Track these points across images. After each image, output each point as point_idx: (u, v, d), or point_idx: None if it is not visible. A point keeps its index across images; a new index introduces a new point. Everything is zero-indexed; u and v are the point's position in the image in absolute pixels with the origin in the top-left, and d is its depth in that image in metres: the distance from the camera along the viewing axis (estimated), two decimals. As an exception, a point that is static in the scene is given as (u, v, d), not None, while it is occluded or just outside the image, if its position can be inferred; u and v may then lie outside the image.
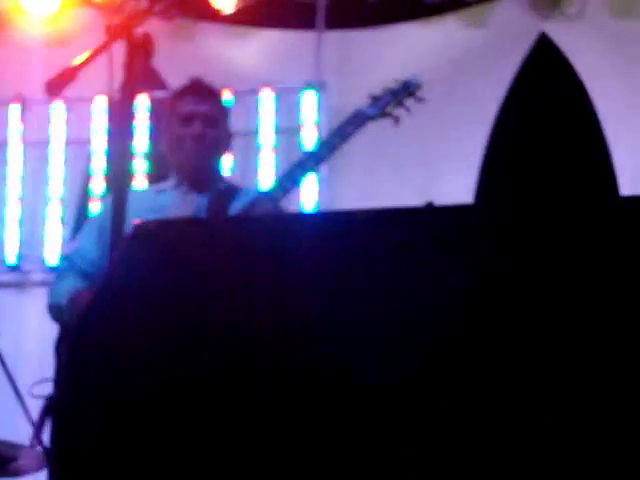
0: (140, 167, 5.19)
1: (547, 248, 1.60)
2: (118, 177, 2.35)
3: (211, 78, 3.25)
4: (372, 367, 1.58)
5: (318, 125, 5.22)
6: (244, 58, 5.45)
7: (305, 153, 3.10)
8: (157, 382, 1.66)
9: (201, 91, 3.14)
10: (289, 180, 2.96)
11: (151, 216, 2.92)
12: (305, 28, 5.32)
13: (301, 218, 2.07)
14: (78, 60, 2.25)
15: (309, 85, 5.25)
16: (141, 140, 5.24)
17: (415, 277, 1.62)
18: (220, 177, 3.20)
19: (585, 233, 1.60)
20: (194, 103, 3.09)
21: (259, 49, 5.46)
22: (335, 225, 1.74)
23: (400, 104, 3.13)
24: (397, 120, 3.12)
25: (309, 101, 5.26)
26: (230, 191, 3.07)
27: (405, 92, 3.15)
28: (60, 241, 5.24)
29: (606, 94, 5.23)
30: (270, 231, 1.76)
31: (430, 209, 1.78)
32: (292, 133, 5.28)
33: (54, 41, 5.47)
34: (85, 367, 1.68)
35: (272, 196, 2.92)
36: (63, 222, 5.28)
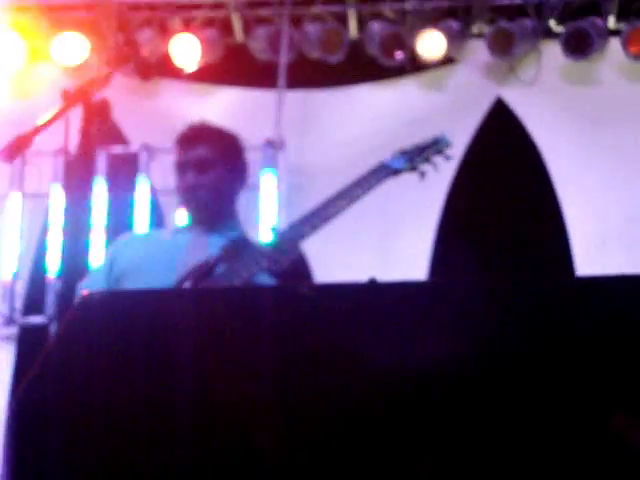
0: (100, 221, 5.18)
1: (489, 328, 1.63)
2: (74, 232, 2.34)
3: (172, 135, 3.26)
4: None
5: (277, 182, 5.27)
6: (205, 115, 5.48)
7: (322, 203, 2.99)
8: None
9: (189, 138, 3.07)
10: (305, 227, 2.89)
11: (168, 255, 2.95)
12: (266, 87, 5.39)
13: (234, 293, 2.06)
14: (35, 125, 2.26)
15: (269, 143, 5.30)
16: (100, 194, 5.23)
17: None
18: (234, 215, 3.12)
19: (539, 309, 1.64)
20: (184, 152, 3.04)
21: (220, 107, 5.51)
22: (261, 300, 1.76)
23: (427, 160, 3.09)
24: (423, 175, 3.07)
25: (268, 158, 5.31)
26: (243, 242, 2.98)
27: (435, 148, 3.12)
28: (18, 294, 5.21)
29: (559, 157, 5.35)
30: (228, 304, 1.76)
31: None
32: (251, 190, 5.31)
33: (18, 96, 5.49)
34: (25, 433, 1.68)
35: (286, 249, 2.84)
36: (17, 276, 5.24)
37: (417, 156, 3.08)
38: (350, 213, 5.37)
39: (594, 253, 5.10)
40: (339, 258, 5.16)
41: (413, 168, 3.08)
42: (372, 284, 1.73)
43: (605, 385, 1.56)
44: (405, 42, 5.20)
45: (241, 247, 2.86)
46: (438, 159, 3.11)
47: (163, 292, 2.17)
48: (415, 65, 5.33)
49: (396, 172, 3.05)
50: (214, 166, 3.04)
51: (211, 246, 2.93)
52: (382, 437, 1.60)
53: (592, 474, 1.54)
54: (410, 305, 1.67)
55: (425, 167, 3.08)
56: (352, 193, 2.92)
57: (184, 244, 3.02)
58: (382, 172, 3.00)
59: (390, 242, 5.35)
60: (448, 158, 3.13)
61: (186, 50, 5.29)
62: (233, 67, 5.47)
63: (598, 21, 5.17)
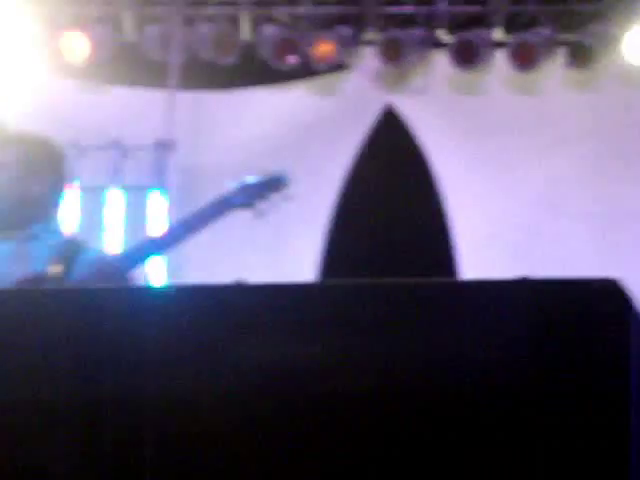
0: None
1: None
2: None
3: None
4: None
5: (166, 185, 5.23)
6: (95, 114, 5.41)
7: (166, 230, 3.07)
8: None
9: None
10: (139, 254, 2.93)
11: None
12: (157, 87, 5.34)
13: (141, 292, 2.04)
14: None
15: (159, 143, 5.25)
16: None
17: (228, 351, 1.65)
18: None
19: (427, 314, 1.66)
20: None
21: (110, 106, 5.43)
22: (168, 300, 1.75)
23: (264, 198, 3.17)
24: (261, 214, 3.16)
25: (158, 159, 5.26)
26: (73, 246, 2.97)
27: (272, 188, 3.19)
28: None
29: (447, 164, 5.47)
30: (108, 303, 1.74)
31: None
32: (140, 191, 5.26)
33: None
34: None
35: (121, 265, 2.88)
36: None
37: (256, 193, 3.17)
38: (241, 216, 5.37)
39: (479, 257, 5.23)
40: (229, 260, 5.15)
41: (250, 205, 3.18)
42: (235, 285, 1.74)
43: (477, 388, 1.60)
44: (297, 47, 5.22)
45: (70, 255, 2.89)
46: (275, 197, 3.22)
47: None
48: (307, 70, 5.35)
49: (235, 207, 3.15)
50: (6, 169, 3.00)
51: (32, 255, 2.91)
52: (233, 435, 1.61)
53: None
54: (273, 307, 1.68)
55: (262, 204, 3.18)
56: (192, 224, 3.03)
57: (4, 255, 2.97)
58: (221, 207, 3.10)
59: (280, 245, 5.37)
60: (287, 198, 3.24)
61: (76, 47, 5.19)
62: (124, 66, 5.40)
63: (485, 33, 5.29)
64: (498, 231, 5.29)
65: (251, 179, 3.17)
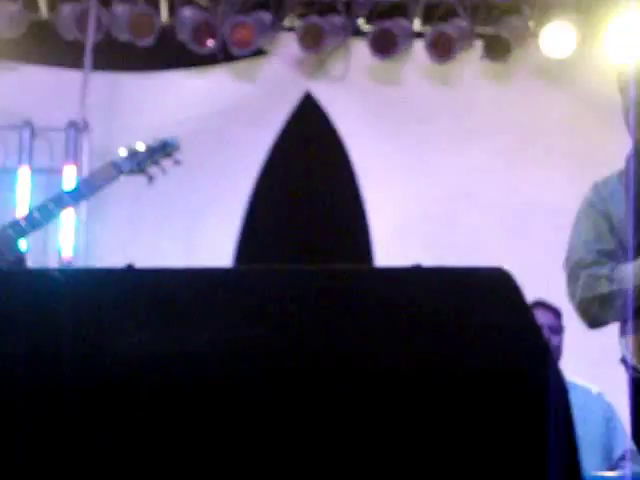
0: None
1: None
2: None
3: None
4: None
5: (80, 166, 5.13)
6: (5, 93, 5.28)
7: (56, 195, 3.02)
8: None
9: None
10: (40, 215, 2.89)
11: None
12: (72, 67, 5.23)
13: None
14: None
15: (72, 125, 5.15)
16: None
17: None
18: None
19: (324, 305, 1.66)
20: None
21: (23, 85, 5.31)
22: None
23: (156, 163, 3.14)
24: (151, 179, 3.12)
25: (71, 141, 5.16)
26: None
27: (162, 152, 3.16)
28: None
29: (364, 152, 5.49)
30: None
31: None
32: (52, 172, 5.15)
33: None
34: None
35: (20, 228, 2.84)
36: None
37: (146, 159, 3.16)
38: (155, 200, 5.31)
39: (394, 246, 5.27)
40: (143, 245, 5.09)
41: (141, 170, 3.16)
42: (127, 269, 1.71)
43: (391, 377, 1.60)
44: (216, 30, 5.17)
45: None
46: (167, 162, 3.20)
47: None
48: (226, 54, 5.31)
49: (123, 173, 3.12)
50: None
51: None
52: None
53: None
54: (161, 292, 1.66)
55: (153, 170, 3.17)
56: (79, 192, 3.00)
57: None
58: (109, 173, 3.08)
59: (195, 231, 5.33)
60: (177, 162, 3.22)
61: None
62: (37, 44, 5.27)
63: (404, 22, 5.32)
64: (413, 220, 5.34)
65: (140, 145, 3.15)
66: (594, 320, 2.33)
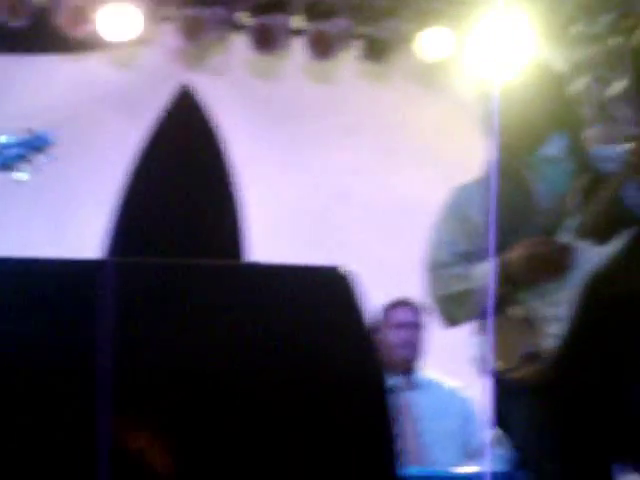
0: None
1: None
2: None
3: None
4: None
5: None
6: None
7: None
8: None
9: None
10: None
11: None
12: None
13: None
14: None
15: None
16: None
17: None
18: None
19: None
20: None
21: None
22: None
23: (25, 159, 2.86)
24: (22, 177, 2.86)
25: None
26: None
27: (35, 148, 2.90)
28: None
29: (242, 147, 5.47)
30: None
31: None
32: None
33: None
34: None
35: None
36: None
37: (13, 154, 2.88)
38: (24, 189, 5.15)
39: (269, 243, 5.27)
40: (11, 235, 4.95)
41: (6, 166, 2.89)
42: None
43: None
44: (92, 16, 5.06)
45: None
46: (40, 158, 2.92)
47: None
48: (104, 41, 5.20)
49: None
50: None
51: None
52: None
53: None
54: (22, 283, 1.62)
55: (24, 166, 2.88)
56: None
57: None
58: None
59: (66, 221, 5.20)
60: (51, 158, 2.95)
61: None
62: None
63: (285, 18, 5.33)
64: (288, 218, 5.35)
65: (5, 138, 2.87)
66: (451, 319, 2.39)
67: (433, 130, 5.55)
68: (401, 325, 3.72)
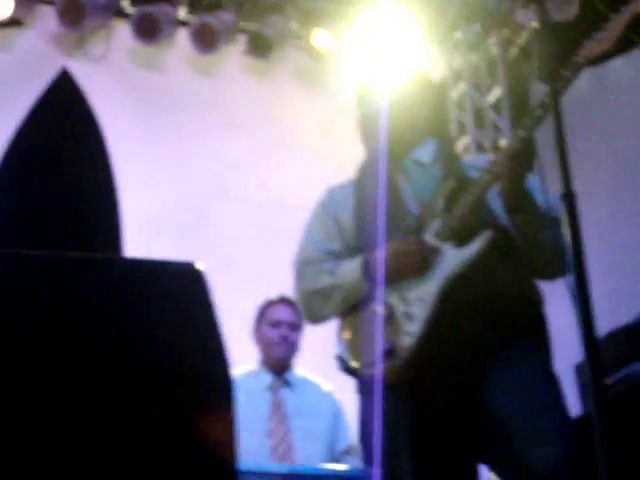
0: None
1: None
2: None
3: None
4: None
5: None
6: None
7: None
8: None
9: None
10: None
11: None
12: None
13: None
14: None
15: None
16: None
17: None
18: None
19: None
20: None
21: None
22: None
23: None
24: None
25: None
26: None
27: None
28: None
29: (122, 137, 5.36)
30: None
31: None
32: None
33: None
34: None
35: None
36: None
37: None
38: None
39: (146, 236, 5.19)
40: None
41: None
42: None
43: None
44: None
45: None
46: None
47: None
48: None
49: None
50: None
51: None
52: None
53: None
54: None
55: None
56: None
57: None
58: None
59: None
60: None
61: None
62: None
63: (169, 9, 5.27)
64: (167, 211, 5.28)
65: None
66: (315, 314, 2.40)
67: (314, 129, 5.59)
68: (278, 323, 3.72)
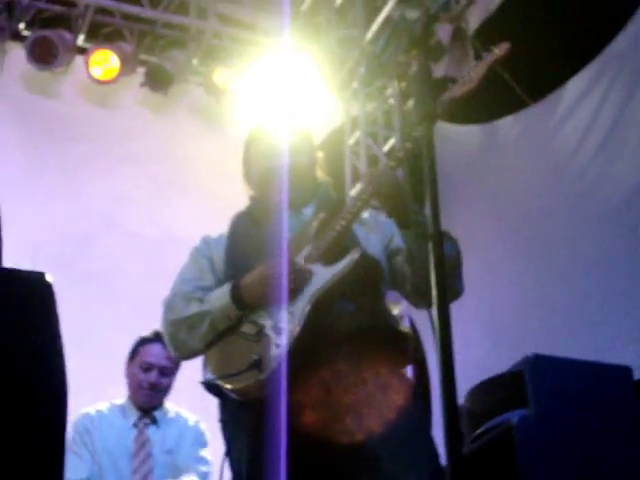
0: None
1: None
2: None
3: None
4: None
5: None
6: None
7: None
8: None
9: None
10: None
11: None
12: None
13: None
14: None
15: None
16: None
17: None
18: None
19: None
20: None
21: None
22: None
23: None
24: None
25: None
26: None
27: None
28: None
29: (8, 163, 5.23)
30: None
31: None
32: None
33: None
34: None
35: None
36: None
37: None
38: None
39: (25, 266, 5.04)
40: None
41: None
42: None
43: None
44: None
45: None
46: None
47: None
48: None
49: None
50: None
51: None
52: None
53: None
54: None
55: None
56: None
57: None
58: None
59: None
60: None
61: None
62: None
63: (67, 35, 5.18)
64: (50, 241, 5.14)
65: None
66: (181, 345, 2.35)
67: (209, 166, 5.55)
68: (149, 367, 3.61)
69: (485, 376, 2.94)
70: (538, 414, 2.60)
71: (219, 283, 2.40)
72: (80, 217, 5.25)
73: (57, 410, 1.50)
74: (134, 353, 3.71)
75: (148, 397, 3.63)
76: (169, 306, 2.42)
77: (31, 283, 1.59)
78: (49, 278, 1.59)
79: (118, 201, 5.35)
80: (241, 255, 2.41)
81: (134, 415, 3.63)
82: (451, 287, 2.16)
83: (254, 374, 2.17)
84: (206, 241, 2.53)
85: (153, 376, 3.63)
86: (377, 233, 2.39)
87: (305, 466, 2.14)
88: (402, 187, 2.25)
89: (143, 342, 3.68)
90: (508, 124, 5.09)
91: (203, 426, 3.68)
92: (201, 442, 3.64)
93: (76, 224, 5.22)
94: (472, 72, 2.28)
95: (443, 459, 1.64)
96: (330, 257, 2.30)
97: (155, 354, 3.63)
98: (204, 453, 3.62)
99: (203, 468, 3.59)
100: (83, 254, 5.16)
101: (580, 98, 4.63)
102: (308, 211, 2.49)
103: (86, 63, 5.16)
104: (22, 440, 1.48)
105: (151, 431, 3.62)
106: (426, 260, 1.88)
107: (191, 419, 3.71)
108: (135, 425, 3.62)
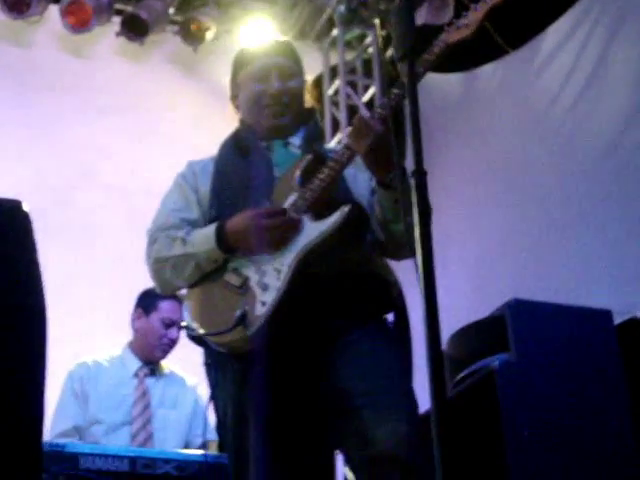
0: None
1: None
2: None
3: None
4: None
5: None
6: None
7: None
8: None
9: None
10: None
11: None
12: None
13: None
14: None
15: None
16: None
17: None
18: None
19: None
20: None
21: None
22: None
23: None
24: None
25: None
26: None
27: None
28: None
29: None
30: None
31: None
32: None
33: None
34: None
35: None
36: None
37: None
38: None
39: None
40: None
41: None
42: None
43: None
44: None
45: None
46: None
47: None
48: None
49: None
50: None
51: None
52: None
53: None
54: None
55: None
56: None
57: None
58: None
59: None
60: None
61: None
62: None
63: (41, -17, 5.08)
64: (24, 195, 4.97)
65: None
66: (166, 283, 2.31)
67: (186, 116, 5.49)
68: (172, 323, 3.60)
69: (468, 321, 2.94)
70: (519, 358, 2.61)
71: (204, 217, 2.35)
72: (58, 169, 5.19)
73: (37, 331, 1.49)
74: (152, 307, 3.67)
75: (165, 352, 3.65)
76: (152, 240, 2.36)
77: (7, 211, 1.57)
78: (25, 207, 1.57)
79: (96, 152, 5.29)
80: (227, 190, 2.34)
81: (134, 365, 3.64)
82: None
83: (239, 331, 2.14)
84: (192, 168, 2.44)
85: (174, 332, 3.63)
86: (365, 171, 2.29)
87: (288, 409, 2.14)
88: (389, 142, 2.10)
89: (162, 297, 3.59)
90: (487, 72, 5.07)
91: (197, 390, 3.69)
92: (197, 408, 3.63)
93: (54, 176, 5.15)
94: (470, 17, 2.17)
95: (427, 404, 1.63)
96: (318, 209, 2.22)
97: (176, 310, 3.63)
98: (203, 423, 3.59)
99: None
100: (62, 206, 5.10)
101: (562, 42, 4.61)
102: (296, 140, 2.42)
103: (61, 12, 5.08)
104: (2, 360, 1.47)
105: (150, 382, 3.64)
106: (400, 223, 1.85)
107: (189, 380, 3.72)
108: (136, 375, 3.63)
